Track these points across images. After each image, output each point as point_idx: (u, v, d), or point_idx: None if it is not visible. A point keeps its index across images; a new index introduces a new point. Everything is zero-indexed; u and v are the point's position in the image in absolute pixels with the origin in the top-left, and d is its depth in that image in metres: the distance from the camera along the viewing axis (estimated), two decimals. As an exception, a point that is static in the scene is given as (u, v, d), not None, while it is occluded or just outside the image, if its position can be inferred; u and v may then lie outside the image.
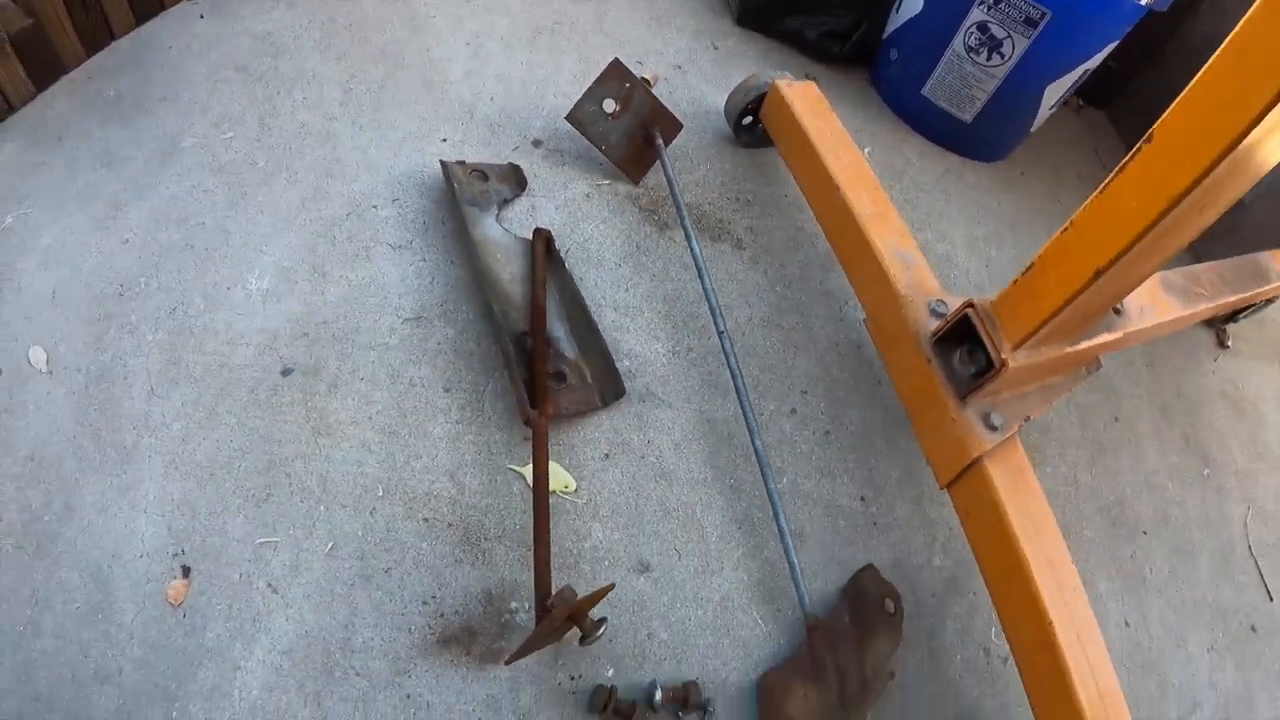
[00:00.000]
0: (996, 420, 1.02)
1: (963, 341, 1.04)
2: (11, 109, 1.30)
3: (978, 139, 1.67)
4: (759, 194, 1.44)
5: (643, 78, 1.51)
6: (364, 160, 1.30)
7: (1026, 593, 0.95)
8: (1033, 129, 1.67)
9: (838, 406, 1.24)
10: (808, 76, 1.69)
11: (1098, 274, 0.84)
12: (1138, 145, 0.78)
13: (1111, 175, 0.81)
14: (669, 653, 1.00)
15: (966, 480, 1.03)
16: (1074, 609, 0.95)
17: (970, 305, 1.00)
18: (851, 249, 1.18)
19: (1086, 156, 1.88)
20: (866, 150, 1.59)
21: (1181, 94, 0.74)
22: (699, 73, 1.60)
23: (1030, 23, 1.44)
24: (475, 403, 1.08)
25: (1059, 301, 0.90)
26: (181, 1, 1.50)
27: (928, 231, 1.50)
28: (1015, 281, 0.95)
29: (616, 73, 1.28)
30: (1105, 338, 1.07)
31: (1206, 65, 0.71)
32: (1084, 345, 1.05)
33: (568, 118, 1.30)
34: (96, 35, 1.41)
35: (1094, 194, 0.83)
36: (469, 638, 0.94)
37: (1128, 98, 1.99)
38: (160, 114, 1.32)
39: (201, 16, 1.48)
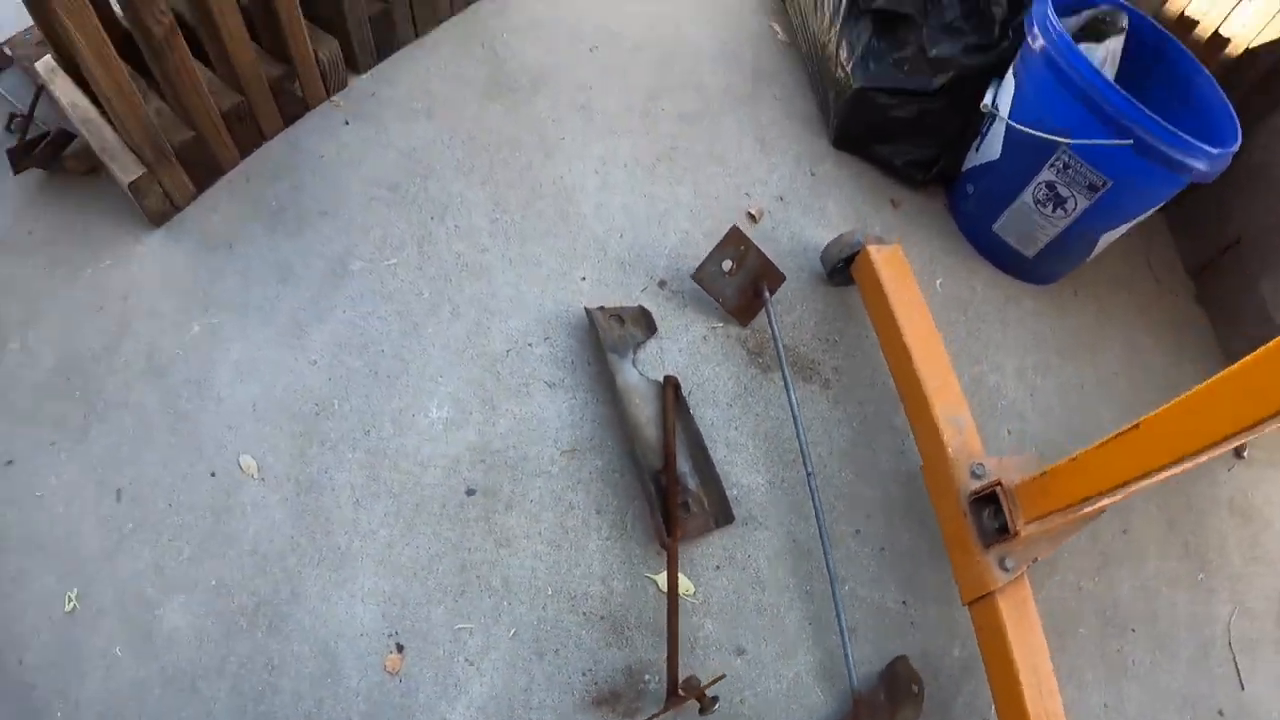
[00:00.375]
0: (1010, 564, 1.48)
1: (991, 502, 1.49)
2: (177, 209, 1.67)
3: (1037, 270, 2.07)
4: (845, 333, 1.88)
5: (748, 212, 1.92)
6: (516, 297, 1.74)
7: (1015, 693, 1.43)
8: (1088, 260, 2.05)
9: (893, 529, 1.71)
10: (892, 202, 2.09)
11: (1092, 497, 1.29)
12: (1126, 428, 1.21)
13: (1105, 440, 1.25)
14: (755, 714, 1.51)
15: (982, 605, 1.51)
16: (1049, 709, 1.44)
17: (998, 484, 1.45)
18: (916, 407, 1.63)
19: (1139, 271, 2.25)
20: (938, 282, 1.99)
21: (1166, 406, 1.16)
22: (799, 204, 2.01)
23: (1092, 188, 1.82)
24: (620, 523, 1.57)
25: (1064, 504, 1.35)
26: (323, 103, 1.85)
27: (984, 363, 1.93)
28: (1034, 478, 1.40)
29: (734, 238, 1.71)
30: (1106, 501, 1.52)
31: (1189, 394, 1.12)
32: (1087, 510, 1.50)
33: (694, 277, 1.74)
34: (249, 140, 1.74)
35: (1092, 445, 1.27)
36: (615, 700, 1.46)
37: (1183, 202, 2.32)
38: (324, 230, 1.70)
39: (346, 123, 1.85)
